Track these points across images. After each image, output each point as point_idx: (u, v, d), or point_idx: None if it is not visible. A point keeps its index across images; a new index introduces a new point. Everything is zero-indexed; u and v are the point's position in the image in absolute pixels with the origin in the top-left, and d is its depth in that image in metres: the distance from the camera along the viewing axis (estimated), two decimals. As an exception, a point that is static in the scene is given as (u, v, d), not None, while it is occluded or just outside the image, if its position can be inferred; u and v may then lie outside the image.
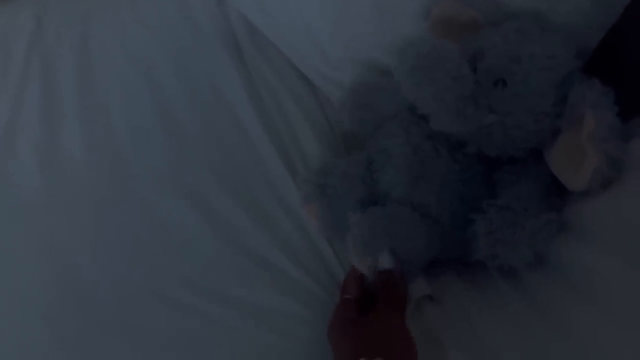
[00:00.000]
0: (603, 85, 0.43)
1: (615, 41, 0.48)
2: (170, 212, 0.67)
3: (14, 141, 0.78)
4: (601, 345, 0.37)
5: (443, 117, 0.44)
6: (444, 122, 0.44)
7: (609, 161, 0.40)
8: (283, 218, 0.64)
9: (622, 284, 0.37)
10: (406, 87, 0.43)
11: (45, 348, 0.60)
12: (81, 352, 0.60)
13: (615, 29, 0.48)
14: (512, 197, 0.45)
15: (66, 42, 0.88)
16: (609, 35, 0.48)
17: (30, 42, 0.89)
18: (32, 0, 0.97)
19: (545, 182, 0.46)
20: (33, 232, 0.70)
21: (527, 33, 0.47)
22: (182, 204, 0.67)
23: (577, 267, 0.42)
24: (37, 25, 0.92)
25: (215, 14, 0.84)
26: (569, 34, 0.47)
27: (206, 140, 0.73)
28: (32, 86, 0.84)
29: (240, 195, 0.67)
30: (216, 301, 0.60)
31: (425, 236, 0.50)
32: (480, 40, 0.48)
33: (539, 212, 0.44)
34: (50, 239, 0.68)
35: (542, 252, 0.45)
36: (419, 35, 0.49)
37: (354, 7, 0.60)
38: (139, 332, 0.60)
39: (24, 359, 0.61)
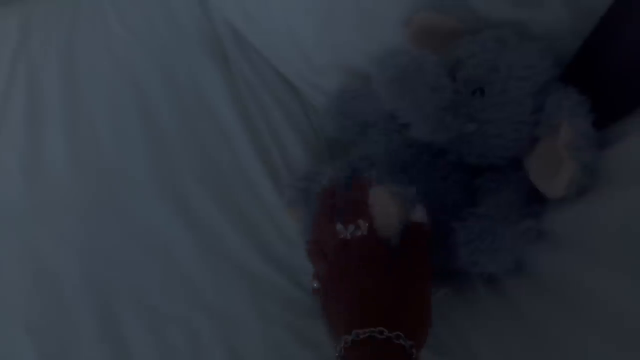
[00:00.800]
0: (579, 94, 0.43)
1: (592, 50, 0.49)
2: (152, 218, 0.67)
3: (-3, 149, 0.78)
4: (577, 351, 0.38)
5: (422, 126, 0.44)
6: (423, 131, 0.44)
7: (584, 169, 0.40)
8: (265, 223, 0.64)
9: (598, 290, 0.38)
10: (385, 98, 0.43)
11: (27, 359, 0.60)
12: (64, 362, 0.59)
13: (592, 37, 0.49)
14: (492, 206, 0.45)
15: (51, 49, 0.87)
16: (586, 43, 0.49)
17: (15, 50, 0.89)
18: (17, 8, 0.96)
19: (525, 189, 0.47)
20: (16, 242, 0.69)
21: (505, 42, 0.48)
22: (164, 210, 0.67)
23: (555, 273, 0.43)
24: (22, 33, 0.91)
25: (201, 20, 0.84)
26: (546, 43, 0.48)
27: (190, 146, 0.72)
28: (16, 94, 0.83)
29: (223, 201, 0.67)
30: (196, 309, 0.60)
31: None
32: (460, 50, 0.49)
33: (519, 220, 0.44)
34: (33, 248, 0.68)
35: (522, 259, 0.45)
36: (398, 46, 0.49)
37: (337, 14, 0.60)
38: (121, 341, 0.60)
39: (6, 370, 0.61)
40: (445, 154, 0.50)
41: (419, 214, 0.46)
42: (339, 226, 0.47)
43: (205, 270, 0.62)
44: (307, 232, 0.58)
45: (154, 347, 0.59)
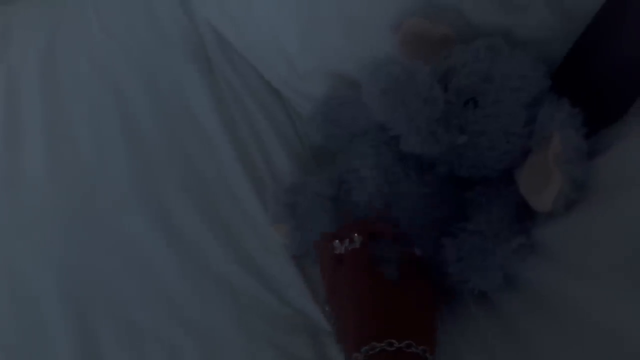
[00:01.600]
0: (572, 106, 0.43)
1: (579, 55, 0.48)
2: (133, 230, 0.65)
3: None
4: None
5: (413, 139, 0.43)
6: (414, 143, 0.43)
7: (574, 183, 0.40)
8: (248, 236, 0.62)
9: (588, 305, 0.37)
10: (376, 110, 0.42)
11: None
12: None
13: (579, 43, 0.48)
14: (483, 221, 0.45)
15: (32, 54, 0.85)
16: (573, 49, 0.49)
17: None
18: (-4, 11, 0.93)
19: (516, 203, 0.46)
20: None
21: (497, 51, 0.47)
22: (145, 221, 0.65)
23: (545, 288, 0.42)
24: (2, 37, 0.88)
25: (184, 26, 0.82)
26: (538, 53, 0.47)
27: (172, 155, 0.70)
28: (-6, 100, 0.80)
29: (205, 212, 0.65)
30: (176, 325, 0.58)
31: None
32: (451, 59, 0.48)
33: (510, 235, 0.43)
34: (8, 262, 0.65)
35: (513, 274, 0.44)
36: (385, 52, 0.48)
37: (322, 19, 0.59)
38: (99, 358, 0.57)
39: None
40: (435, 168, 0.48)
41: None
42: (335, 242, 0.47)
43: (187, 285, 0.60)
44: (293, 246, 0.56)
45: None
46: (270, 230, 0.60)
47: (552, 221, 0.42)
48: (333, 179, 0.55)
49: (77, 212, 0.68)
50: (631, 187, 0.37)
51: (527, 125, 0.44)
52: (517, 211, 0.46)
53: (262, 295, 0.58)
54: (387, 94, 0.41)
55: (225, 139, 0.69)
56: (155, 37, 0.82)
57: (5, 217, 0.69)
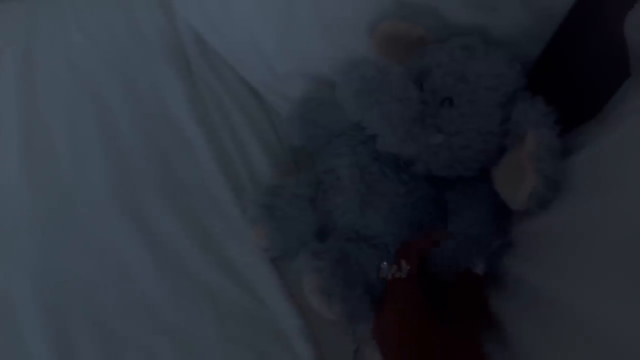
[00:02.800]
0: (546, 104, 0.43)
1: (554, 54, 0.49)
2: (110, 236, 0.64)
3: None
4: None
5: (390, 138, 0.43)
6: (390, 143, 0.43)
7: (547, 181, 0.39)
8: (228, 240, 0.62)
9: (563, 302, 0.37)
10: (351, 110, 0.42)
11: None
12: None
13: (553, 41, 0.48)
14: (462, 224, 0.44)
15: (8, 55, 0.83)
16: (548, 48, 0.49)
17: None
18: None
19: (496, 201, 0.46)
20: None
21: (472, 50, 0.47)
22: (123, 227, 0.64)
23: (522, 285, 0.42)
24: None
25: (163, 26, 0.81)
26: (513, 51, 0.47)
27: (151, 159, 0.70)
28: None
29: (185, 217, 0.64)
30: (155, 332, 0.57)
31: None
32: (427, 58, 0.48)
33: (489, 237, 0.43)
34: None
35: (493, 270, 0.44)
36: (362, 54, 0.48)
37: (299, 21, 0.58)
38: None
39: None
40: (412, 167, 0.48)
41: (480, 266, 0.45)
42: (383, 264, 0.46)
43: (165, 290, 0.59)
44: (272, 249, 0.56)
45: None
46: (249, 233, 0.59)
47: (529, 219, 0.42)
48: (311, 180, 0.55)
49: (53, 217, 0.67)
50: (607, 186, 0.37)
51: (503, 124, 0.44)
52: (497, 211, 0.46)
53: (241, 299, 0.58)
54: (360, 94, 0.40)
55: (204, 142, 0.69)
56: (134, 39, 0.81)
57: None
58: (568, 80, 0.47)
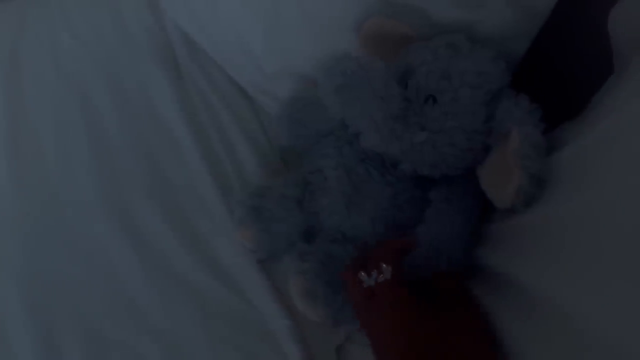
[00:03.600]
0: (530, 102, 0.42)
1: (539, 51, 0.48)
2: (98, 237, 0.63)
3: None
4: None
5: (373, 136, 0.42)
6: (374, 140, 0.43)
7: (532, 179, 0.39)
8: (216, 241, 0.61)
9: (549, 299, 0.37)
10: (332, 107, 0.41)
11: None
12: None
13: (538, 39, 0.48)
14: (438, 228, 0.44)
15: None
16: (533, 45, 0.49)
17: None
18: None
19: (480, 200, 0.46)
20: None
21: (456, 49, 0.46)
22: (110, 228, 0.64)
23: (507, 282, 0.41)
24: None
25: (152, 27, 0.81)
26: (497, 49, 0.47)
27: (139, 160, 0.69)
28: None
29: (172, 218, 0.63)
30: (142, 333, 0.57)
31: None
32: (411, 56, 0.47)
33: (467, 240, 0.43)
34: None
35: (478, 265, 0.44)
36: (345, 52, 0.48)
37: (284, 20, 0.58)
38: None
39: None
40: (398, 165, 0.48)
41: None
42: (361, 275, 0.43)
43: (152, 291, 0.59)
44: (259, 250, 0.55)
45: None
46: (237, 235, 0.59)
47: (513, 217, 0.42)
48: (299, 180, 0.54)
49: (40, 219, 0.66)
50: (591, 182, 0.37)
51: (487, 122, 0.44)
52: (477, 213, 0.46)
53: (228, 300, 0.57)
54: (342, 90, 0.40)
55: (192, 142, 0.68)
56: (122, 39, 0.81)
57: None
58: (553, 78, 0.47)
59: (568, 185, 0.39)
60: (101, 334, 0.57)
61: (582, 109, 0.43)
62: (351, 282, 0.44)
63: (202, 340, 0.55)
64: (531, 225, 0.41)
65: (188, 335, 0.56)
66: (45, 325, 0.59)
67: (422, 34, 0.50)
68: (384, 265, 0.42)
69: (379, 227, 0.48)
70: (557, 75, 0.46)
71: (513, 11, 0.47)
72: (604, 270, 0.32)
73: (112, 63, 0.79)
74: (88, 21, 0.84)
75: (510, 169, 0.40)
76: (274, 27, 0.60)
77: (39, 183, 0.69)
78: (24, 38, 0.84)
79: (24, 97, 0.78)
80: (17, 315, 0.60)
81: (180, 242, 0.61)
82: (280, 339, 0.54)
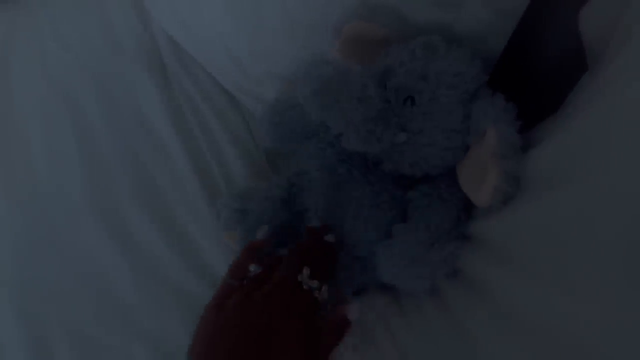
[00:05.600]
0: (506, 100, 0.43)
1: (514, 50, 0.49)
2: (87, 243, 0.64)
3: None
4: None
5: (353, 137, 0.43)
6: (354, 142, 0.43)
7: (509, 177, 0.40)
8: (204, 244, 0.62)
9: (528, 299, 0.37)
10: (312, 110, 0.42)
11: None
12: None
13: (513, 38, 0.49)
14: (421, 227, 0.45)
15: None
16: (508, 44, 0.49)
17: None
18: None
19: (458, 205, 0.46)
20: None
21: (434, 49, 0.47)
22: (99, 233, 0.65)
23: (485, 282, 0.42)
24: None
25: (139, 32, 0.82)
26: (474, 49, 0.48)
27: (127, 165, 0.70)
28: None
29: (161, 222, 0.64)
30: (133, 338, 0.57)
31: (344, 276, 0.49)
32: (389, 58, 0.48)
33: (446, 241, 0.44)
34: None
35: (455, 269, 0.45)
36: (322, 55, 0.48)
37: (266, 22, 0.59)
38: None
39: None
40: (380, 166, 0.49)
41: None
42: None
43: (142, 296, 0.60)
44: None
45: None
46: (224, 237, 0.60)
47: (491, 216, 0.43)
48: (284, 182, 0.55)
49: (29, 225, 0.67)
50: (566, 180, 0.37)
51: (465, 121, 0.45)
52: (457, 213, 0.46)
53: None
54: (319, 94, 0.40)
55: (179, 147, 0.69)
56: (110, 46, 0.81)
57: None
58: (528, 77, 0.47)
59: (540, 185, 0.39)
60: (93, 340, 0.58)
61: (558, 107, 0.43)
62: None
63: None
64: (506, 225, 0.41)
65: (178, 339, 0.56)
66: (37, 331, 0.60)
67: (401, 36, 0.51)
68: (307, 269, 0.41)
69: (359, 227, 0.49)
70: (532, 75, 0.47)
71: (489, 11, 0.48)
72: (577, 269, 0.32)
73: (100, 69, 0.79)
74: (76, 29, 0.85)
75: (486, 167, 0.40)
76: (256, 30, 0.60)
77: (28, 190, 0.70)
78: (13, 47, 0.85)
79: (14, 105, 0.78)
80: (8, 322, 0.60)
81: (168, 245, 0.62)
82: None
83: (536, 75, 0.46)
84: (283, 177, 0.57)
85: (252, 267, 0.43)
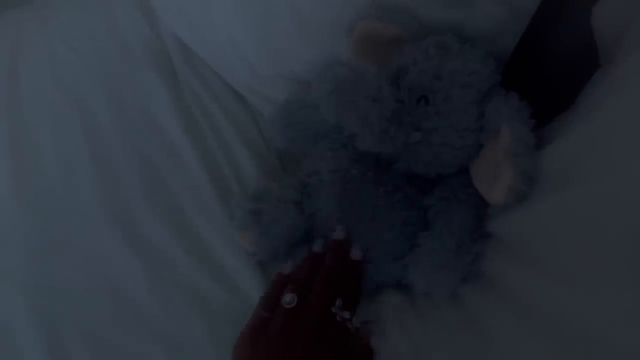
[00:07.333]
0: (519, 99, 0.43)
1: (526, 48, 0.49)
2: (100, 245, 0.64)
3: None
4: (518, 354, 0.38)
5: (367, 138, 0.43)
6: (369, 142, 0.43)
7: (523, 176, 0.40)
8: (217, 245, 0.62)
9: (543, 296, 0.38)
10: (327, 111, 0.42)
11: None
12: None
13: (525, 36, 0.49)
14: (444, 232, 0.45)
15: None
16: (520, 42, 0.49)
17: None
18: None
19: (477, 199, 0.47)
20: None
21: (447, 48, 0.47)
22: (112, 236, 0.64)
23: (501, 280, 0.42)
24: None
25: (147, 35, 0.82)
26: (487, 48, 0.48)
27: (138, 167, 0.70)
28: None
29: (173, 223, 0.64)
30: (148, 340, 0.57)
31: None
32: (402, 58, 0.48)
33: (471, 244, 0.44)
34: None
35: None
36: (338, 55, 0.48)
37: (276, 22, 0.59)
38: None
39: None
40: (392, 167, 0.49)
41: None
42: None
43: (156, 297, 0.60)
44: (260, 254, 0.56)
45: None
46: (238, 238, 0.60)
47: (505, 214, 0.43)
48: (296, 183, 0.55)
49: (42, 229, 0.67)
50: (579, 177, 0.37)
51: (479, 120, 0.45)
52: (478, 213, 0.46)
53: (232, 304, 0.58)
54: (336, 95, 0.41)
55: (190, 147, 0.69)
56: (119, 49, 0.81)
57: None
58: (541, 75, 0.48)
59: (553, 183, 0.39)
60: (107, 342, 0.58)
61: (571, 105, 0.44)
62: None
63: (207, 344, 0.56)
64: (519, 223, 0.41)
65: (193, 339, 0.57)
66: (53, 333, 0.60)
67: (413, 35, 0.51)
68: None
69: (373, 229, 0.49)
70: (545, 72, 0.47)
71: (502, 9, 0.48)
72: (592, 267, 0.32)
73: (109, 72, 0.79)
74: (83, 31, 0.85)
75: (500, 166, 0.41)
76: (266, 31, 0.60)
77: (40, 193, 0.70)
78: (22, 52, 0.85)
79: (23, 110, 0.78)
80: (24, 325, 0.61)
81: (182, 246, 0.62)
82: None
83: (548, 72, 0.47)
84: (295, 178, 0.57)
85: (288, 298, 0.44)
